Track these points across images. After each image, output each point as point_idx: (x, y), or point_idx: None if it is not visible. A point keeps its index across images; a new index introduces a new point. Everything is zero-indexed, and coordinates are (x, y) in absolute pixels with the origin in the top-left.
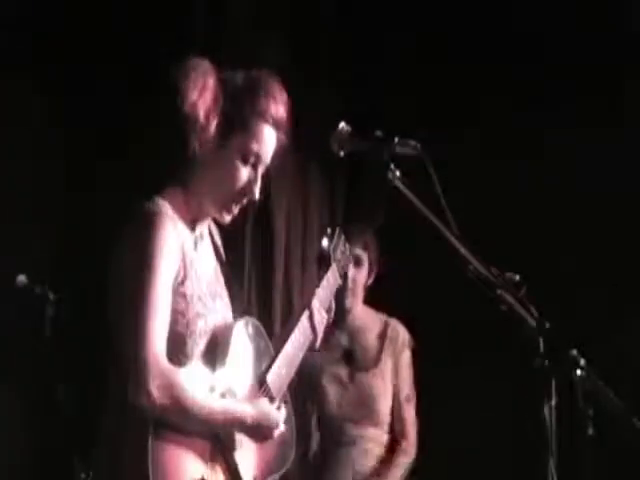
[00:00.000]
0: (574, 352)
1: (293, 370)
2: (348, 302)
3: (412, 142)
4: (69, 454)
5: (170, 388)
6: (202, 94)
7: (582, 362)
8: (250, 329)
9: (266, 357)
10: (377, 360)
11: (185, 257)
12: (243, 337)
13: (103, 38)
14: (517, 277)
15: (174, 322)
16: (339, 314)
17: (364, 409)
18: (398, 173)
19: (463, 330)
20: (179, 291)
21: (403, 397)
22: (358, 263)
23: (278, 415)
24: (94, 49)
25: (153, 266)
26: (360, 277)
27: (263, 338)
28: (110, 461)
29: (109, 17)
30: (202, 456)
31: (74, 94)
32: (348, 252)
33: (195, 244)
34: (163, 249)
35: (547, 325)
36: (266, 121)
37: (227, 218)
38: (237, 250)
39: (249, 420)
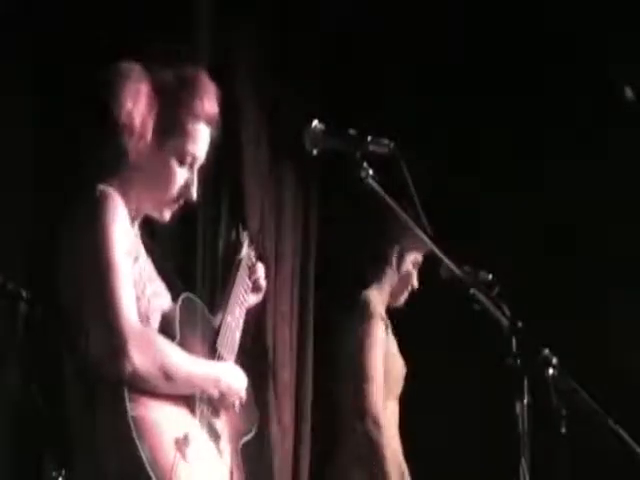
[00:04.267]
0: (546, 351)
1: (237, 338)
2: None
3: (385, 141)
4: (40, 453)
5: (148, 347)
6: (136, 102)
7: (554, 361)
8: (191, 304)
9: (208, 327)
10: None
11: (133, 239)
12: (186, 311)
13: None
14: (490, 276)
15: (136, 300)
16: None
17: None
18: (371, 171)
19: (435, 329)
20: (135, 271)
21: None
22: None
23: (244, 380)
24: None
25: (112, 239)
26: None
27: (203, 310)
28: (90, 446)
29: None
30: (184, 413)
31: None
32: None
33: (136, 236)
34: (119, 224)
35: (519, 324)
36: (200, 120)
37: (166, 217)
38: (211, 250)
39: (223, 381)
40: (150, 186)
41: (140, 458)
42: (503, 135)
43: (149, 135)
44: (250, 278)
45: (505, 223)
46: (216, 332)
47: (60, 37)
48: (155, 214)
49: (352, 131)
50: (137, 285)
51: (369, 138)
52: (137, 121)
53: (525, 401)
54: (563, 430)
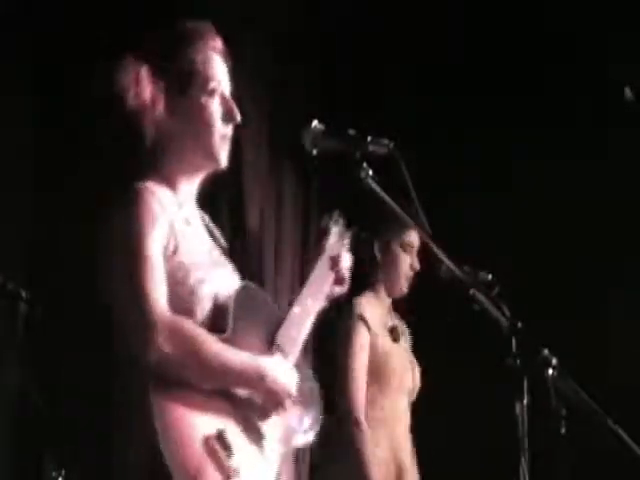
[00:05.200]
0: (546, 351)
1: (303, 332)
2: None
3: (385, 141)
4: (40, 453)
5: (179, 336)
6: (138, 85)
7: (554, 361)
8: (249, 292)
9: (271, 319)
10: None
11: (174, 228)
12: (243, 301)
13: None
14: (490, 276)
15: (175, 295)
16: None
17: (412, 380)
18: (370, 172)
19: (435, 329)
20: (174, 261)
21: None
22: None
23: (292, 376)
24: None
25: (143, 232)
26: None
27: (267, 300)
28: (118, 440)
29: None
30: (218, 410)
31: (44, 94)
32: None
33: (187, 220)
34: (150, 218)
35: (519, 324)
36: (210, 50)
37: (223, 160)
38: None
39: (269, 376)
40: (194, 136)
41: (160, 453)
42: (503, 135)
43: (161, 106)
44: (332, 269)
45: (505, 223)
46: (279, 324)
47: (60, 37)
48: (212, 164)
49: (352, 131)
50: (174, 275)
51: (369, 138)
52: (147, 101)
53: (525, 401)
54: (563, 430)
